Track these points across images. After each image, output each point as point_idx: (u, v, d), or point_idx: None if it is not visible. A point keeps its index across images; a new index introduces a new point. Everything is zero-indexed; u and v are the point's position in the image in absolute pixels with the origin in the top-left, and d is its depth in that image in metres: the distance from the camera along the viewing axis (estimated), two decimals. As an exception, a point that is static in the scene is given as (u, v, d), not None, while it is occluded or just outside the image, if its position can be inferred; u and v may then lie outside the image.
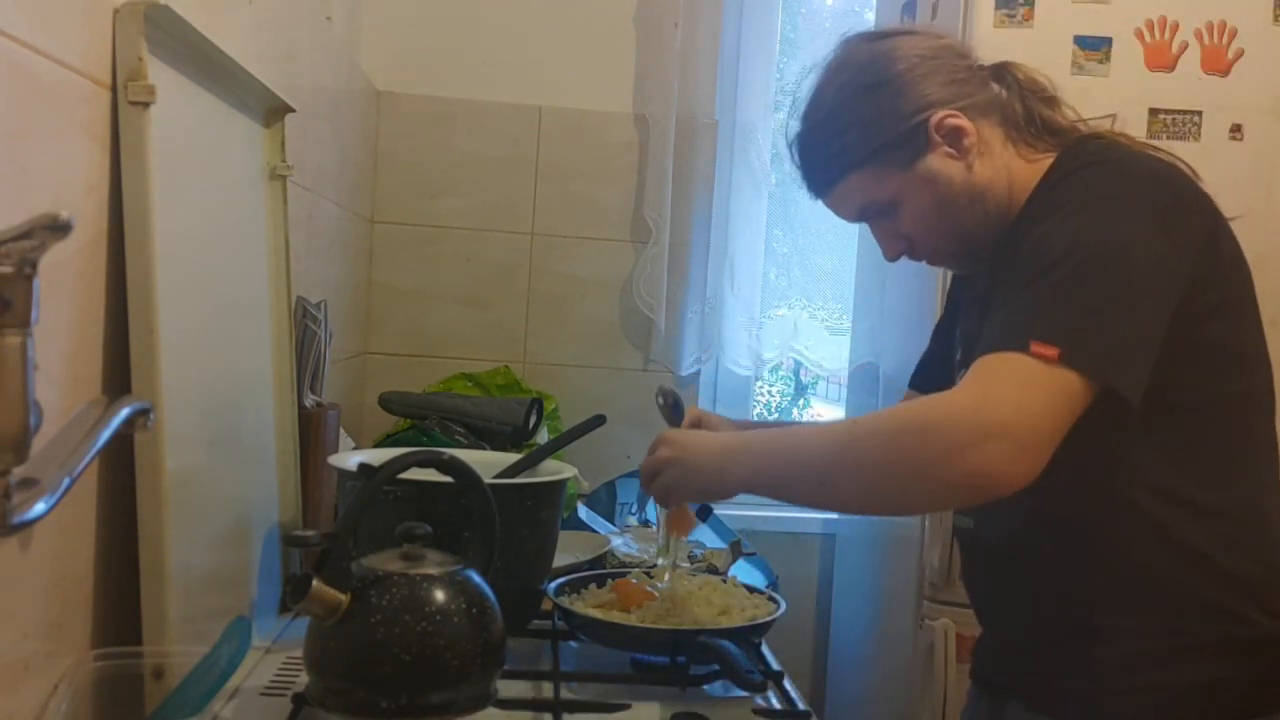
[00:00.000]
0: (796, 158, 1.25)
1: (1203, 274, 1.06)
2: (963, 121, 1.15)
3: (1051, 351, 0.97)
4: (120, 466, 0.98)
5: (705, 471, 1.16)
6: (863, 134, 1.17)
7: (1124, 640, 1.08)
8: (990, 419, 0.95)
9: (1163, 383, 1.02)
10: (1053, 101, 1.21)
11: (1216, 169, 1.88)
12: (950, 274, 1.77)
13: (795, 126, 1.25)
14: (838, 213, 1.26)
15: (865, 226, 1.28)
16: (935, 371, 1.39)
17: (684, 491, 1.21)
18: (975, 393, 0.98)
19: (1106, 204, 1.05)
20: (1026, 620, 1.17)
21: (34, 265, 0.65)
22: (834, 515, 2.58)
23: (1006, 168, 1.18)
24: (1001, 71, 1.22)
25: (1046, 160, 1.17)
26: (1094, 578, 1.11)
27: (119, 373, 0.97)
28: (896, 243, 1.23)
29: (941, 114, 1.15)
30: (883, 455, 1.01)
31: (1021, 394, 0.96)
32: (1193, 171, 1.13)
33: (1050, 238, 1.04)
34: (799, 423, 1.46)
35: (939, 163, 1.16)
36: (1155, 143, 1.85)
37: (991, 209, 1.17)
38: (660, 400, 1.40)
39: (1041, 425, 0.96)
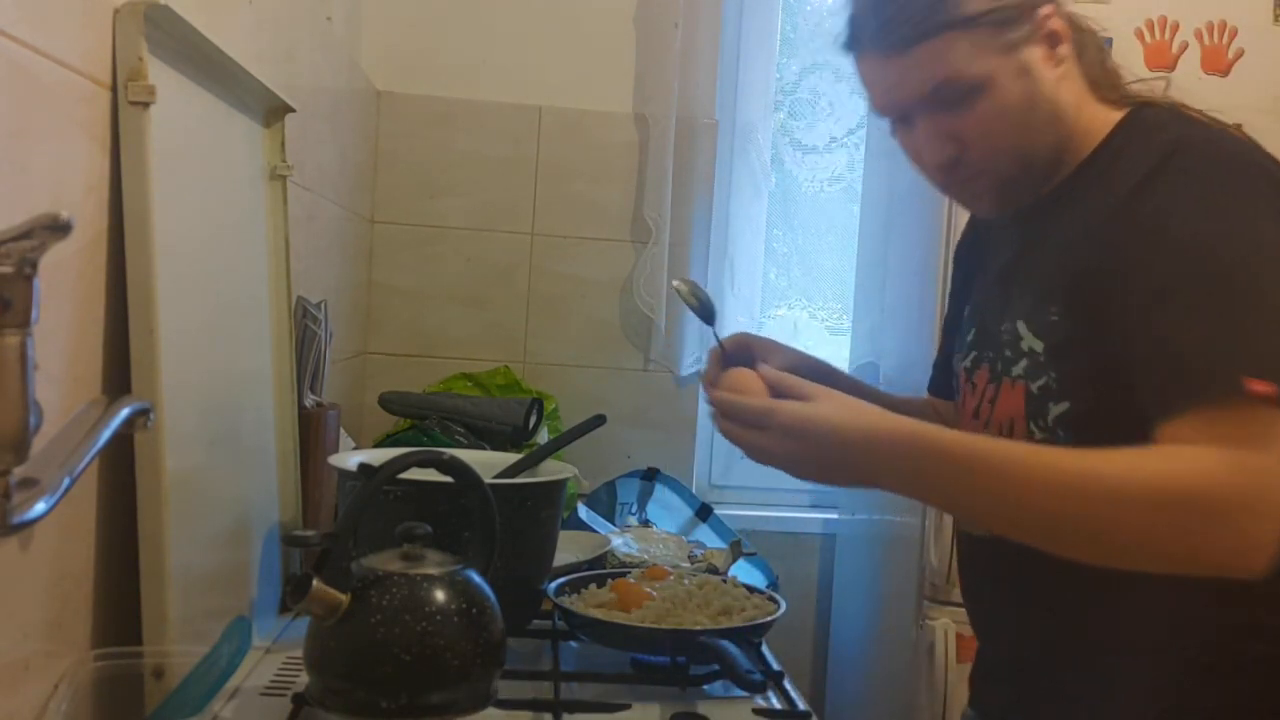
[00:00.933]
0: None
1: None
2: (1064, 28, 1.03)
3: (1269, 389, 0.86)
4: (120, 466, 0.98)
5: (845, 472, 0.97)
6: None
7: (1142, 661, 1.00)
8: (1263, 493, 0.85)
9: None
10: (1111, 58, 1.10)
11: (1216, 169, 1.90)
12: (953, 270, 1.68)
13: None
14: (902, 85, 1.04)
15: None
16: (948, 375, 1.29)
17: (804, 477, 1.00)
18: (1231, 462, 0.85)
19: (1236, 204, 0.94)
20: (1029, 635, 1.09)
21: (34, 265, 0.65)
22: (834, 515, 2.58)
23: (1078, 101, 1.05)
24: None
25: (1112, 115, 1.06)
26: (1119, 588, 0.99)
27: (119, 373, 0.97)
28: (946, 145, 1.04)
29: (1052, 8, 1.02)
30: (1146, 529, 0.87)
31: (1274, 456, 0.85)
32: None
33: (1197, 245, 0.92)
34: (861, 388, 1.23)
35: (1036, 59, 1.02)
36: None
37: (1062, 140, 1.05)
38: (680, 289, 1.18)
39: None
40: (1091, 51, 1.08)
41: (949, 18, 1.00)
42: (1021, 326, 1.05)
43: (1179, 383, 0.90)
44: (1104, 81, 1.08)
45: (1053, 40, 1.03)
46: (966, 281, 1.27)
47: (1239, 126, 1.04)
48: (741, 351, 1.15)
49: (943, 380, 1.32)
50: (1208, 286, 0.91)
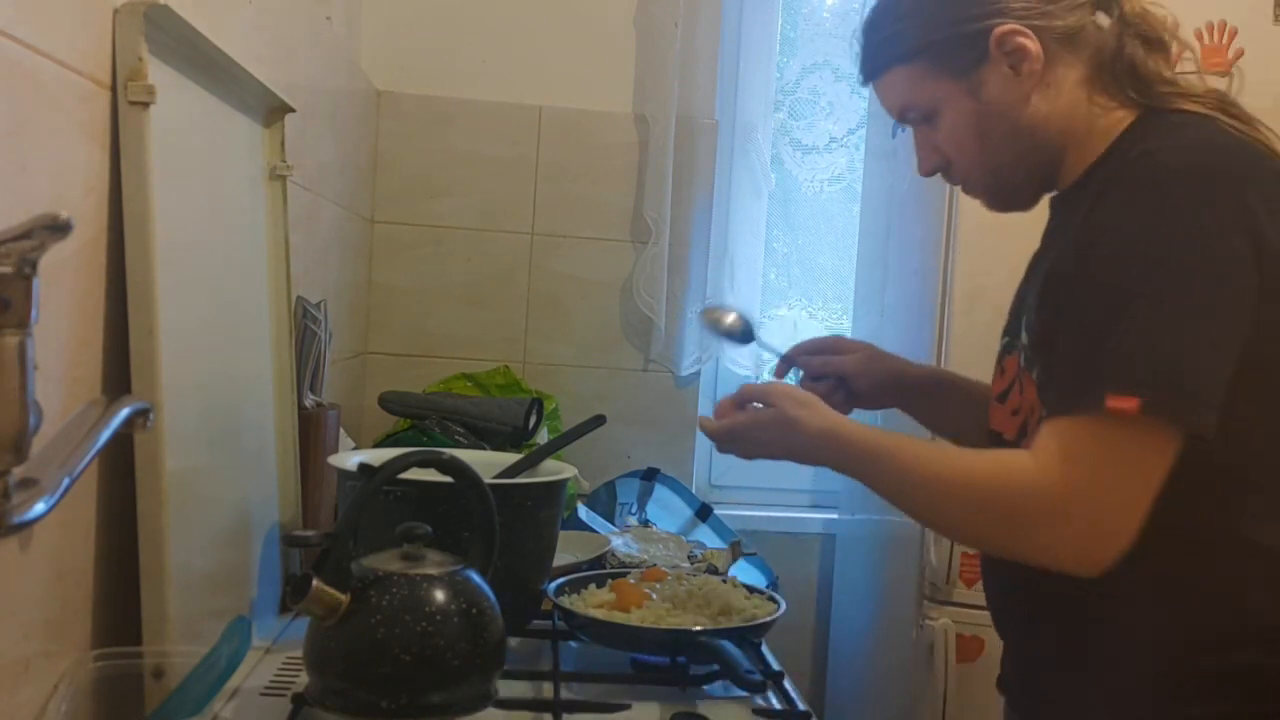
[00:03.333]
0: (858, 36, 1.16)
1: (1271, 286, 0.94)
2: (1030, 43, 1.04)
3: (1130, 404, 0.90)
4: (120, 466, 0.98)
5: (793, 453, 1.12)
6: (921, 25, 1.08)
7: (1144, 665, 1.01)
8: (1071, 511, 0.92)
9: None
10: (1156, 45, 1.08)
11: (1216, 169, 1.90)
12: (954, 267, 1.72)
13: (869, 12, 1.16)
14: (883, 105, 1.17)
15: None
16: None
17: (768, 451, 1.15)
18: (1053, 475, 0.93)
19: (1181, 218, 0.94)
20: (1042, 637, 1.11)
21: (34, 265, 0.65)
22: (834, 515, 2.59)
23: (1071, 112, 1.06)
24: (1110, 2, 1.08)
25: (1122, 120, 1.06)
26: (1117, 602, 1.01)
27: (119, 373, 0.97)
28: (933, 157, 1.14)
29: (1009, 28, 1.04)
30: (966, 524, 1.02)
31: (1103, 472, 0.92)
32: None
33: (1106, 270, 0.95)
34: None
35: (993, 80, 1.06)
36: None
37: (1037, 153, 1.08)
38: (717, 321, 1.32)
39: (1132, 508, 0.92)
40: (1112, 50, 1.07)
41: (896, 51, 1.11)
42: (1026, 319, 1.10)
43: (1058, 390, 0.97)
44: (1122, 80, 1.07)
45: (1015, 59, 1.05)
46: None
47: (1270, 136, 1.03)
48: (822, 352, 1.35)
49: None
50: (1111, 301, 0.94)
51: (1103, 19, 1.08)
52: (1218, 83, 1.93)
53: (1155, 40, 1.08)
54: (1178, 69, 1.11)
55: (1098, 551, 0.93)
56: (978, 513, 0.99)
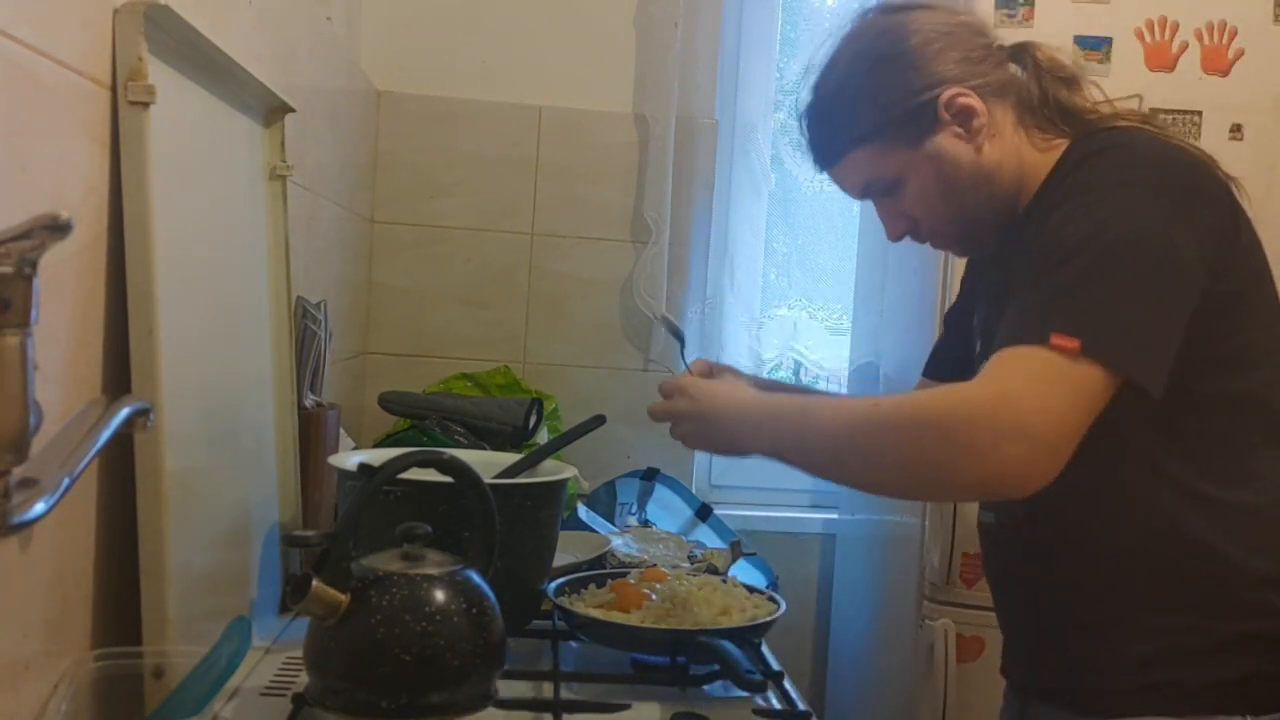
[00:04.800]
0: (805, 128, 1.23)
1: (1221, 265, 1.04)
2: (973, 101, 1.13)
3: (1072, 343, 0.95)
4: (120, 466, 0.98)
5: (722, 432, 1.16)
6: (871, 108, 1.15)
7: (1145, 636, 1.07)
8: (1008, 419, 0.94)
9: (1181, 377, 1.00)
10: (1073, 82, 1.18)
11: (1216, 169, 1.90)
12: (954, 267, 1.77)
13: (806, 96, 1.22)
14: (842, 187, 1.24)
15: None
16: (948, 359, 1.37)
17: (699, 444, 1.22)
18: (993, 390, 0.96)
19: (1124, 191, 1.03)
20: (1047, 616, 1.16)
21: (34, 265, 0.65)
22: (834, 515, 2.59)
23: (1017, 152, 1.15)
24: (1021, 52, 1.19)
25: (1059, 146, 1.15)
26: (1111, 574, 1.09)
27: (119, 373, 0.97)
28: (900, 222, 1.21)
29: (953, 91, 1.13)
30: (899, 448, 1.01)
31: (1041, 391, 0.95)
32: (1212, 159, 1.10)
33: (1067, 226, 1.02)
34: (820, 392, 1.45)
35: (947, 142, 1.14)
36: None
37: (998, 193, 1.15)
38: (663, 323, 1.39)
39: (1062, 424, 0.95)
40: (1034, 93, 1.17)
41: (853, 136, 1.17)
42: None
43: (1006, 329, 1.00)
44: (1054, 117, 1.16)
45: (963, 117, 1.14)
46: (970, 286, 1.36)
47: (1194, 145, 1.13)
48: (706, 372, 1.32)
49: (936, 364, 1.41)
50: (1059, 264, 1.00)
51: (1016, 69, 1.19)
52: (1218, 82, 1.94)
53: (1069, 78, 1.18)
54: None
55: (1035, 466, 0.94)
56: (915, 438, 0.99)
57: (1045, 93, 1.16)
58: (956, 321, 1.37)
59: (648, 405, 1.22)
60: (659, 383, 1.24)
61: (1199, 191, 1.06)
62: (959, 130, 1.14)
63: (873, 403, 1.05)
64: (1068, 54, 1.19)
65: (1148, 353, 0.98)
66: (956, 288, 1.42)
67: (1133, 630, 1.07)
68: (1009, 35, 1.91)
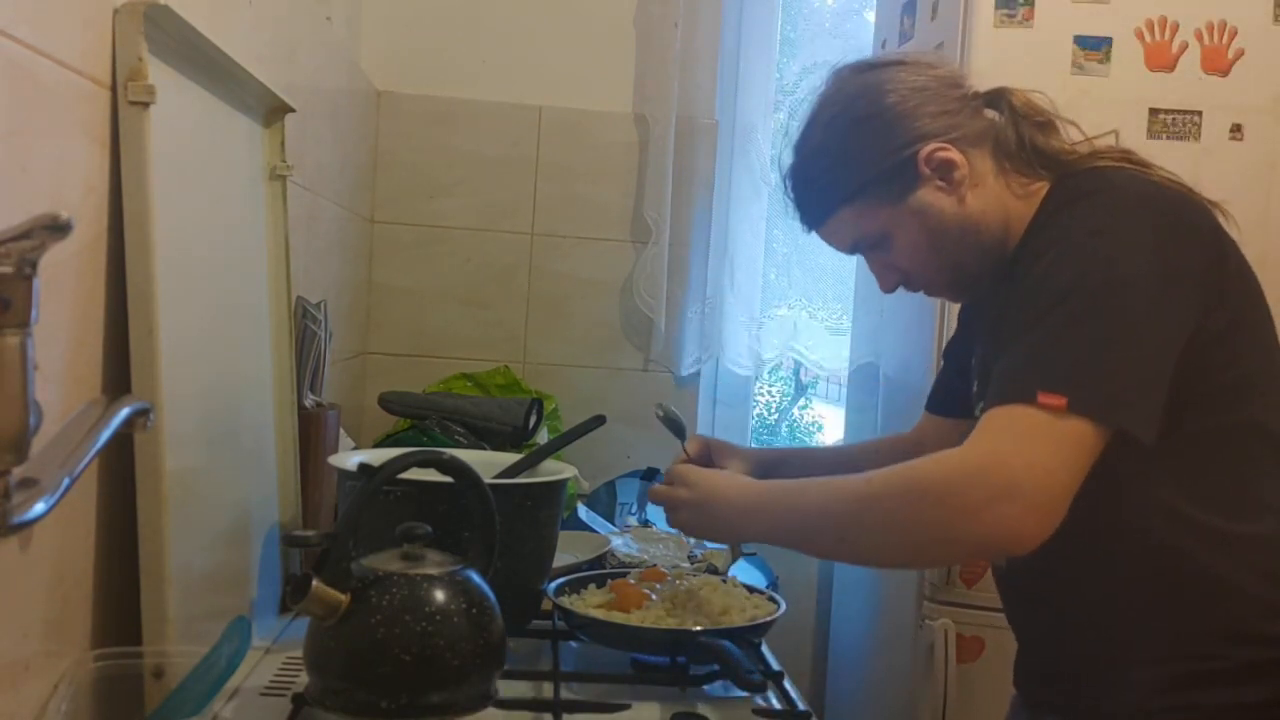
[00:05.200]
0: (790, 190, 1.25)
1: (1213, 297, 1.04)
2: (953, 154, 1.15)
3: (1058, 401, 0.95)
4: (120, 466, 0.98)
5: (722, 521, 1.20)
6: (852, 168, 1.17)
7: (1157, 665, 1.06)
8: (999, 480, 0.95)
9: (1181, 413, 1.01)
10: (1048, 126, 1.19)
11: (1216, 169, 1.90)
12: None
13: (788, 159, 1.24)
14: (831, 245, 1.26)
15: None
16: (949, 394, 1.39)
17: (698, 533, 1.28)
18: (984, 451, 0.97)
19: (1104, 238, 1.04)
20: (1059, 645, 1.16)
21: (34, 265, 0.65)
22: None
23: (1000, 199, 1.17)
24: (996, 98, 1.21)
25: (1040, 190, 1.16)
26: (1121, 607, 1.09)
27: (119, 373, 0.97)
28: (891, 275, 1.23)
29: (932, 146, 1.14)
30: (898, 518, 1.02)
31: (1031, 450, 0.95)
32: (1188, 190, 1.11)
33: (1048, 279, 1.03)
34: (814, 458, 1.50)
35: (930, 196, 1.15)
36: (1155, 143, 1.86)
37: (985, 240, 1.16)
38: (660, 414, 1.41)
39: (1053, 481, 0.95)
40: (1011, 139, 1.18)
41: (837, 196, 1.19)
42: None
43: (994, 389, 1.01)
44: (1032, 161, 1.18)
45: (944, 169, 1.15)
46: (968, 322, 1.39)
47: (1173, 176, 1.13)
48: (704, 451, 1.39)
49: (939, 400, 1.44)
50: (1038, 320, 1.01)
51: (993, 113, 1.20)
52: (1218, 82, 1.94)
53: (1045, 122, 1.19)
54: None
55: (1030, 525, 0.95)
56: (910, 506, 1.00)
57: (1022, 137, 1.18)
58: (956, 355, 1.38)
59: (658, 471, 1.27)
60: (666, 470, 1.29)
61: (1181, 225, 1.06)
62: (940, 183, 1.15)
63: (865, 479, 1.05)
64: (1041, 98, 1.21)
65: (1135, 400, 0.99)
66: (940, 369, 1.44)
67: (1151, 659, 1.07)
68: (1010, 36, 1.92)
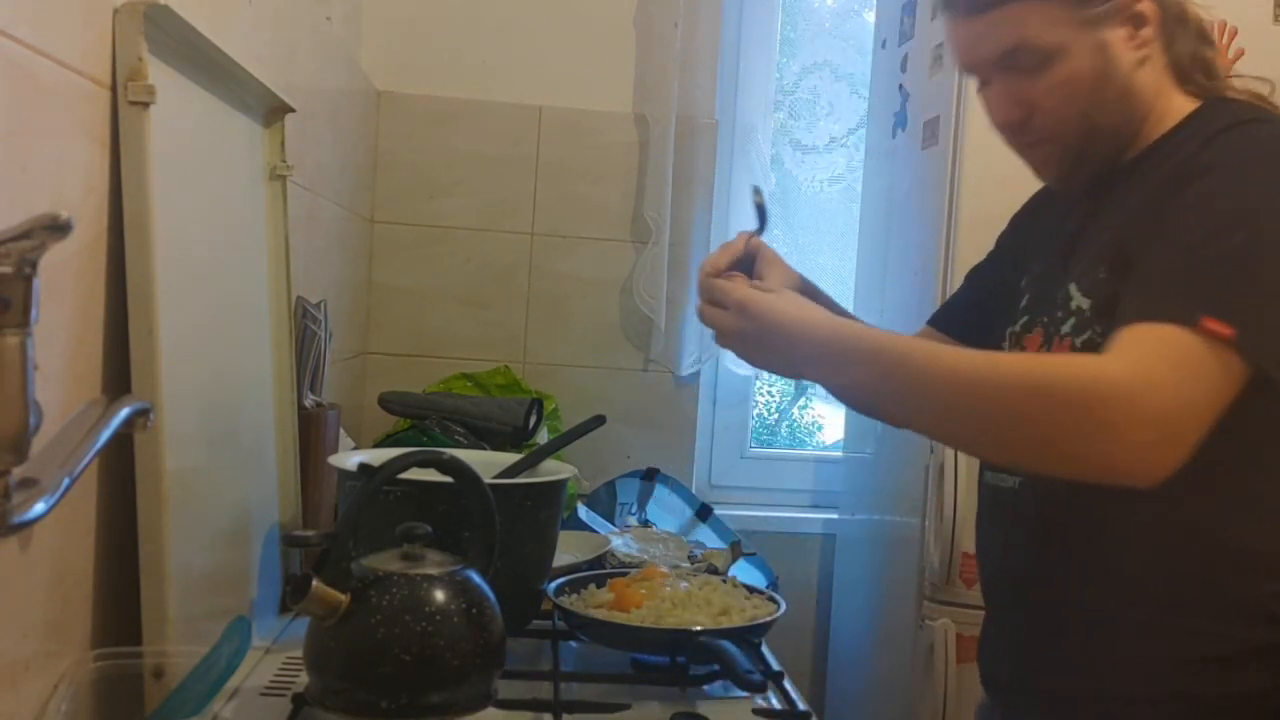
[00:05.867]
0: None
1: None
2: (1153, 8, 1.05)
3: (1226, 331, 0.87)
4: (120, 466, 0.98)
5: (786, 357, 1.05)
6: None
7: (1157, 642, 1.01)
8: (1148, 405, 0.87)
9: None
10: (1210, 43, 1.11)
11: (1217, 169, 1.89)
12: (954, 269, 1.71)
13: None
14: (979, 46, 1.09)
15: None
16: (961, 315, 1.31)
17: (752, 363, 1.11)
18: (1136, 372, 0.88)
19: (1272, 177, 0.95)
20: (1053, 605, 1.09)
21: (34, 265, 0.65)
22: (834, 515, 2.58)
23: (1158, 88, 1.08)
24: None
25: (1183, 103, 1.08)
26: (1135, 565, 1.02)
27: (119, 373, 0.97)
28: (1017, 109, 1.08)
29: None
30: (1023, 413, 0.91)
31: (1185, 380, 0.88)
32: None
33: (1220, 198, 0.94)
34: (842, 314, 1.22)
35: (1115, 38, 1.04)
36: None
37: (1131, 117, 1.07)
38: (756, 200, 1.24)
39: (1199, 419, 0.88)
40: (1184, 41, 1.09)
41: None
42: (1073, 288, 1.08)
43: (1148, 298, 0.93)
44: (1193, 71, 1.09)
45: (1138, 22, 1.05)
46: (1016, 245, 1.28)
47: None
48: (748, 258, 1.19)
49: (946, 317, 1.34)
50: (1214, 237, 0.92)
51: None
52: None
53: (1209, 39, 1.11)
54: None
55: (1162, 455, 0.88)
56: (1043, 408, 0.90)
57: (1195, 48, 1.09)
58: (985, 279, 1.31)
59: (698, 310, 1.10)
60: (708, 285, 1.09)
61: None
62: (1128, 32, 1.05)
63: (989, 359, 0.95)
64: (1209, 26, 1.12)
65: None
66: (956, 288, 1.40)
67: (1147, 633, 1.02)
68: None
